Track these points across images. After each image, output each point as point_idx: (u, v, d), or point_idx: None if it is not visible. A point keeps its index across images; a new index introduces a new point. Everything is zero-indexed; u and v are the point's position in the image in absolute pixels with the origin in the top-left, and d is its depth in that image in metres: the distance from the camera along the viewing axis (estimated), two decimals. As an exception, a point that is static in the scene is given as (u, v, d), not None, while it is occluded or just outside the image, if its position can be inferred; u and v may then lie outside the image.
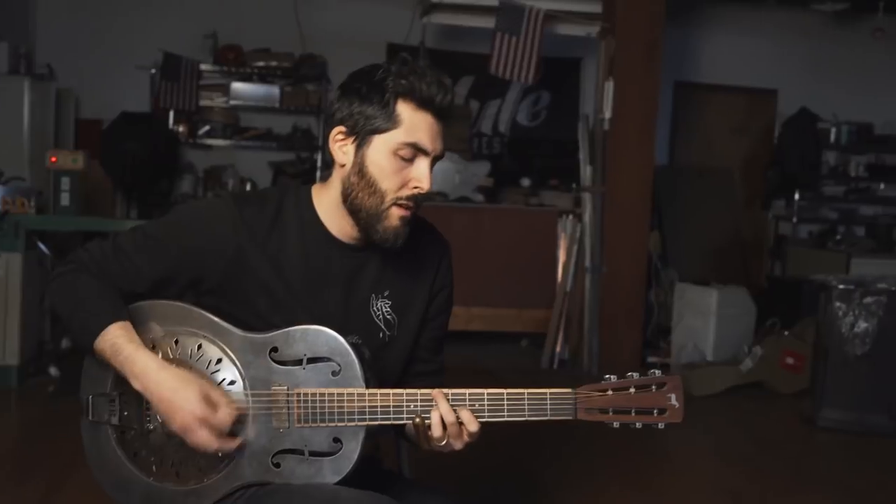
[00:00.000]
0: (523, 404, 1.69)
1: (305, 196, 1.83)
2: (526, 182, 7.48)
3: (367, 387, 1.68)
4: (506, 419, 1.70)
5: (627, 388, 1.71)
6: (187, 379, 1.67)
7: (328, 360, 1.69)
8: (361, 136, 1.73)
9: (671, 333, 6.41)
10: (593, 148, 6.32)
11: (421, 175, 1.73)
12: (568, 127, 7.61)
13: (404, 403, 1.69)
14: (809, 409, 5.06)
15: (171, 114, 7.63)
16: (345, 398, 1.67)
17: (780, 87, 8.84)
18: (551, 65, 7.19)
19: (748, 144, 8.98)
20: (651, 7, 6.11)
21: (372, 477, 1.85)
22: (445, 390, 1.70)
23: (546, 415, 1.70)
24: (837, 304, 4.93)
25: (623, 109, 6.12)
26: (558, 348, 6.34)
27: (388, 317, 1.87)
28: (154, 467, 1.75)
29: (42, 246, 5.24)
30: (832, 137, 8.78)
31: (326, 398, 1.68)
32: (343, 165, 1.76)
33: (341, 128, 1.75)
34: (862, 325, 4.88)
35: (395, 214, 1.74)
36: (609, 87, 6.13)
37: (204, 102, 7.76)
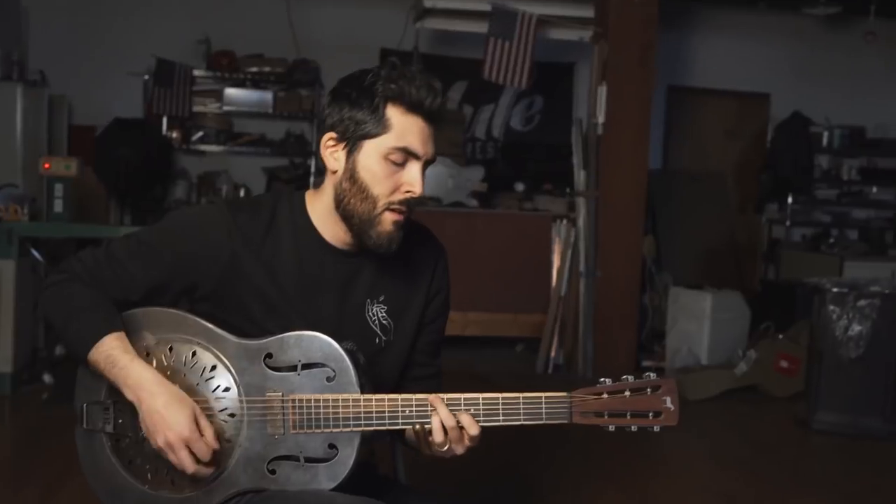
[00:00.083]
0: (518, 409, 1.68)
1: (299, 202, 1.83)
2: (520, 187, 7.48)
3: (362, 392, 1.68)
4: (501, 424, 1.70)
5: (622, 392, 1.70)
6: (181, 398, 1.67)
7: (323, 365, 1.68)
8: (352, 141, 1.73)
9: (665, 337, 6.41)
10: (587, 152, 6.32)
11: (413, 179, 1.73)
12: (561, 131, 7.61)
13: (399, 409, 1.68)
14: (804, 412, 5.07)
15: (165, 120, 7.63)
16: (340, 404, 1.67)
17: (772, 90, 8.87)
18: (544, 69, 7.22)
19: (741, 148, 9.00)
20: (644, 11, 6.12)
21: (367, 483, 1.85)
22: (441, 395, 1.70)
23: (541, 419, 1.69)
24: (831, 307, 4.94)
25: (616, 114, 6.13)
26: (553, 353, 6.34)
27: (384, 322, 1.86)
28: (149, 475, 1.74)
29: (35, 253, 5.22)
30: (825, 141, 8.81)
31: (321, 404, 1.67)
32: (335, 171, 1.76)
33: (332, 134, 1.75)
34: (856, 328, 4.88)
35: (389, 219, 1.74)
36: (602, 91, 6.14)
37: (197, 108, 7.75)
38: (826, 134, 8.80)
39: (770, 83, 8.82)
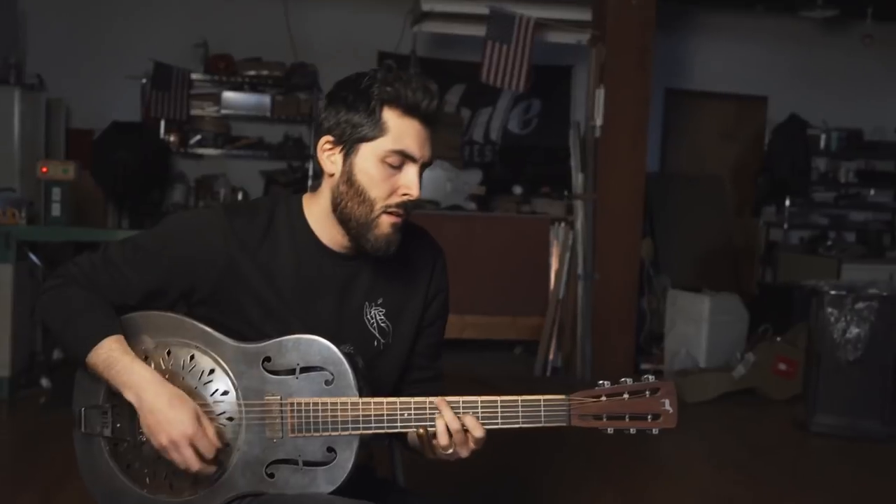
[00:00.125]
0: (517, 411, 1.69)
1: (296, 205, 1.83)
2: (518, 190, 7.48)
3: (361, 395, 1.68)
4: (500, 426, 1.70)
5: (621, 394, 1.71)
6: (182, 397, 1.67)
7: (321, 369, 1.68)
8: (349, 144, 1.73)
9: (664, 340, 6.42)
10: (585, 155, 6.33)
11: (410, 182, 1.73)
12: (559, 134, 7.61)
13: (398, 412, 1.68)
14: (802, 414, 5.07)
15: (162, 123, 7.61)
16: (338, 407, 1.67)
17: (769, 93, 8.88)
18: (542, 72, 7.22)
19: (738, 151, 9.01)
20: (641, 15, 6.13)
21: (366, 486, 1.85)
22: (437, 398, 1.69)
23: (540, 422, 1.70)
24: (829, 309, 4.95)
25: (614, 117, 6.14)
26: (551, 355, 6.34)
27: (383, 324, 1.86)
28: (147, 479, 1.74)
29: (33, 257, 5.22)
30: (822, 144, 8.82)
31: (320, 407, 1.67)
32: (332, 175, 1.76)
33: (329, 137, 1.75)
34: (854, 330, 4.89)
35: (386, 222, 1.74)
36: (600, 94, 6.14)
37: (195, 112, 7.74)
38: (823, 136, 8.81)
39: (767, 86, 8.82)
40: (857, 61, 8.75)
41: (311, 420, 1.68)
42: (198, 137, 7.78)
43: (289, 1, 7.69)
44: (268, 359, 1.71)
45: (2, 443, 4.38)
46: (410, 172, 1.73)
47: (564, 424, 1.70)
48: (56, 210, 5.17)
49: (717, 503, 3.89)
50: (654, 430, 1.71)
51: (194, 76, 7.60)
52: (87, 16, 7.62)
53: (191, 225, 1.79)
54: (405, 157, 1.72)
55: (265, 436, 1.70)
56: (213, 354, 1.73)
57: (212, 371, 1.72)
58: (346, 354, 1.69)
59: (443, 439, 1.68)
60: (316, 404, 1.67)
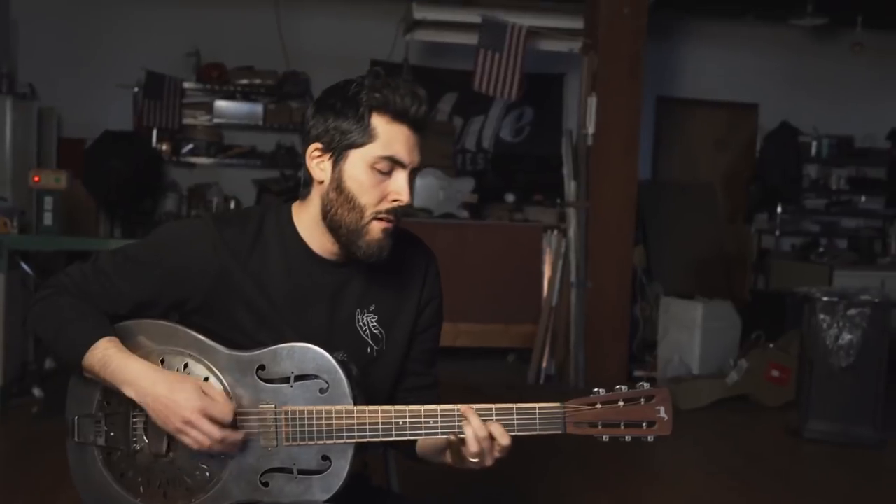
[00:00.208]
0: (512, 419, 1.68)
1: (286, 214, 1.83)
2: (510, 198, 7.49)
3: (355, 404, 1.68)
4: (495, 434, 1.70)
5: (616, 402, 1.70)
6: (181, 378, 1.68)
7: (316, 377, 1.68)
8: (338, 151, 1.73)
9: (657, 347, 6.42)
10: (577, 163, 6.34)
11: (399, 188, 1.73)
12: (551, 142, 7.63)
13: (392, 420, 1.68)
14: (795, 420, 5.08)
15: (155, 132, 7.61)
16: (333, 416, 1.67)
17: (760, 101, 8.91)
18: (534, 81, 7.23)
19: (730, 159, 9.03)
20: (633, 23, 6.15)
21: (361, 493, 1.85)
22: (435, 406, 1.69)
23: (535, 429, 1.69)
24: (821, 316, 4.95)
25: (606, 124, 6.15)
26: (545, 363, 6.33)
27: (375, 331, 1.86)
28: (141, 488, 1.74)
29: (25, 266, 5.20)
30: (813, 151, 8.86)
31: (315, 416, 1.67)
32: (321, 182, 1.76)
33: (318, 144, 1.75)
34: (846, 336, 4.90)
35: (377, 228, 1.74)
36: (592, 102, 6.16)
37: (187, 120, 7.74)
38: (814, 144, 8.84)
39: (758, 93, 8.86)
40: (847, 69, 8.80)
41: (306, 428, 1.67)
42: (190, 146, 7.78)
43: (281, 10, 7.70)
44: (262, 367, 1.70)
45: (-6, 453, 4.37)
46: (400, 178, 1.73)
47: (560, 432, 1.69)
48: (48, 219, 5.16)
49: (710, 510, 3.89)
50: (649, 437, 1.71)
51: (186, 85, 7.60)
52: (79, 25, 7.62)
53: (182, 235, 1.79)
54: (395, 162, 1.72)
55: (260, 444, 1.69)
56: (206, 363, 1.72)
57: (206, 379, 1.72)
58: (340, 362, 1.68)
59: (474, 446, 1.66)
60: (311, 412, 1.67)
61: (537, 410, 1.69)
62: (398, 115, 1.71)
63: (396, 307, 1.89)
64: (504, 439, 1.67)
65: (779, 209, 8.62)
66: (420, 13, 6.86)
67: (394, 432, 1.68)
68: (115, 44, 7.62)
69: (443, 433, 1.68)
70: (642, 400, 1.71)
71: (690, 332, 6.08)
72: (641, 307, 6.91)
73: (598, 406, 1.70)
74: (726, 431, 5.25)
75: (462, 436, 1.67)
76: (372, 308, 1.86)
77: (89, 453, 1.77)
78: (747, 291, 8.31)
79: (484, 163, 8.43)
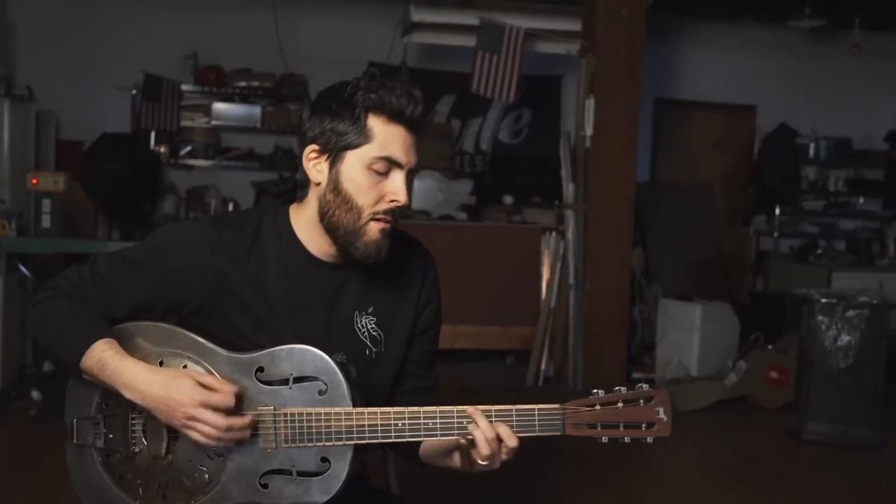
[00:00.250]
0: (511, 420, 1.68)
1: (283, 216, 1.83)
2: (508, 200, 7.49)
3: (354, 405, 1.68)
4: (494, 436, 1.69)
5: (615, 403, 1.70)
6: (177, 373, 1.67)
7: (314, 379, 1.68)
8: (334, 152, 1.73)
9: (655, 349, 6.42)
10: (575, 165, 6.34)
11: (397, 188, 1.73)
12: (549, 144, 7.63)
13: (392, 422, 1.68)
14: (794, 422, 5.08)
15: (153, 134, 7.61)
16: (332, 417, 1.67)
17: (759, 103, 8.92)
18: (532, 83, 7.24)
19: (728, 160, 9.04)
20: (631, 25, 6.15)
21: (360, 495, 1.85)
22: (434, 408, 1.69)
23: (534, 431, 1.69)
24: (820, 317, 4.96)
25: (604, 126, 6.15)
26: (543, 365, 6.33)
27: (374, 333, 1.86)
28: (141, 490, 1.73)
29: (23, 268, 5.20)
30: (811, 152, 8.87)
31: (314, 418, 1.67)
32: (318, 184, 1.76)
33: (314, 146, 1.75)
34: (844, 338, 4.90)
35: (375, 228, 1.73)
36: (590, 104, 6.16)
37: (185, 123, 7.74)
38: (812, 145, 8.86)
39: (757, 95, 8.87)
40: (845, 70, 8.80)
41: (305, 430, 1.67)
42: (188, 148, 7.77)
43: (279, 12, 7.69)
44: (261, 369, 1.70)
45: (-8, 456, 4.36)
46: (397, 179, 1.73)
47: (559, 433, 1.69)
48: (46, 221, 5.16)
49: (710, 511, 3.89)
50: (648, 438, 1.70)
51: (184, 87, 7.60)
52: (77, 27, 7.62)
53: (180, 238, 1.79)
54: (391, 163, 1.72)
55: (259, 446, 1.69)
56: (205, 364, 1.72)
57: (204, 380, 1.72)
58: (339, 364, 1.68)
59: (485, 448, 1.65)
60: (310, 414, 1.67)
61: (536, 412, 1.69)
62: (394, 116, 1.71)
63: (395, 309, 1.89)
64: (511, 441, 1.67)
65: (777, 211, 8.64)
66: (418, 15, 6.86)
67: (393, 434, 1.68)
68: (114, 46, 7.61)
69: (442, 435, 1.68)
70: (641, 401, 1.71)
71: (689, 333, 6.08)
72: (640, 309, 6.90)
73: (597, 407, 1.70)
74: (725, 433, 5.25)
75: (470, 437, 1.67)
76: (370, 310, 1.86)
77: (88, 455, 1.77)
78: (746, 293, 8.32)
79: (482, 165, 8.43)
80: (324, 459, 1.68)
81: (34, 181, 5.19)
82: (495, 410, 1.68)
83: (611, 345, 6.19)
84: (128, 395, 1.67)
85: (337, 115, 1.72)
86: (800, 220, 8.92)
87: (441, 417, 1.68)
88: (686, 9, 8.27)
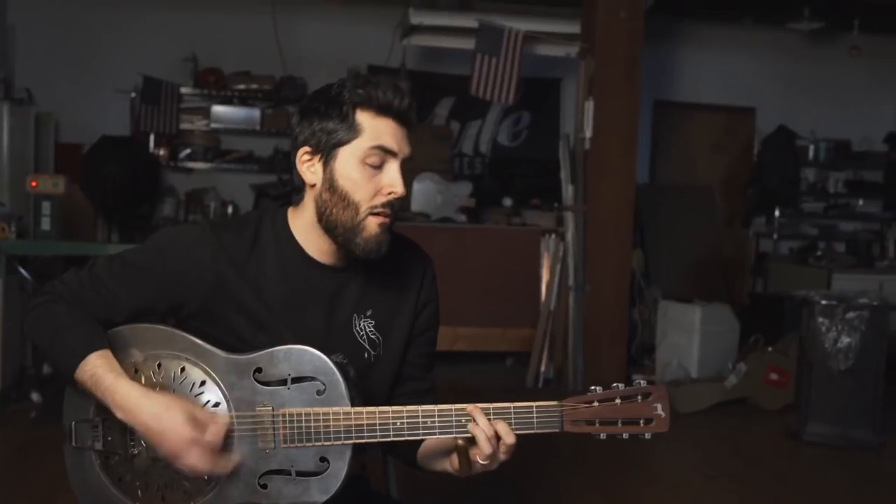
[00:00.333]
0: (510, 418, 1.68)
1: (282, 219, 1.83)
2: (508, 202, 7.49)
3: (353, 405, 1.68)
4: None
5: (613, 399, 1.71)
6: (171, 403, 1.65)
7: (313, 379, 1.68)
8: (327, 151, 1.73)
9: (655, 351, 6.42)
10: (574, 167, 6.34)
11: (393, 179, 1.73)
12: (549, 146, 7.63)
13: (390, 421, 1.68)
14: (795, 423, 5.07)
15: (152, 137, 7.60)
16: (330, 417, 1.67)
17: (758, 104, 8.92)
18: (531, 85, 7.23)
19: (727, 162, 9.04)
20: (630, 27, 6.15)
21: (359, 497, 1.84)
22: (432, 406, 1.69)
23: (533, 428, 1.69)
24: (820, 319, 4.95)
25: (603, 128, 6.16)
26: (543, 367, 6.33)
27: (373, 336, 1.86)
28: (140, 492, 1.73)
29: (23, 271, 5.20)
30: (811, 154, 8.87)
31: (312, 418, 1.67)
32: (313, 185, 1.76)
33: (306, 148, 1.76)
34: (845, 340, 4.90)
35: (373, 223, 1.73)
36: (589, 106, 6.16)
37: (184, 125, 7.74)
38: (812, 147, 8.86)
39: (756, 97, 8.87)
40: (844, 72, 8.81)
41: (304, 430, 1.67)
42: (187, 151, 7.77)
43: (278, 15, 7.70)
44: (259, 369, 1.70)
45: (-9, 458, 4.36)
46: (392, 169, 1.74)
47: (557, 430, 1.69)
48: (46, 224, 5.16)
49: (709, 513, 3.89)
50: (646, 434, 1.71)
51: (184, 90, 7.60)
52: (77, 30, 7.62)
53: (179, 241, 1.79)
54: (385, 152, 1.72)
55: (257, 447, 1.69)
56: (203, 366, 1.72)
57: (203, 383, 1.71)
58: (337, 364, 1.68)
59: (486, 447, 1.65)
60: (308, 414, 1.67)
61: (534, 409, 1.69)
62: (382, 109, 1.72)
63: (393, 311, 1.89)
64: (509, 438, 1.66)
65: (776, 213, 8.63)
66: (417, 18, 6.87)
67: (391, 433, 1.67)
68: (113, 49, 7.61)
69: (440, 433, 1.68)
70: (639, 397, 1.71)
71: (689, 335, 6.08)
72: (640, 311, 6.91)
73: (596, 404, 1.70)
74: (725, 434, 5.25)
75: (470, 437, 1.66)
76: (369, 313, 1.86)
77: (87, 458, 1.76)
78: (746, 295, 8.32)
79: (481, 167, 8.43)
80: (322, 459, 1.68)
81: (34, 184, 5.19)
82: (493, 408, 1.68)
83: (610, 346, 6.19)
84: (119, 415, 1.65)
85: (325, 114, 1.73)
86: (799, 222, 8.92)
87: (440, 416, 1.68)
88: (685, 11, 8.28)
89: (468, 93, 6.29)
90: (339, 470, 1.68)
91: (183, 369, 1.72)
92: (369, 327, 1.85)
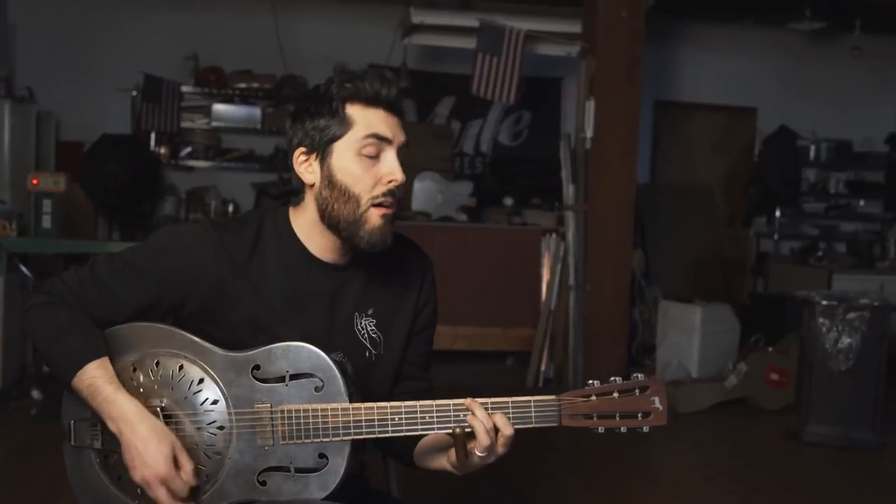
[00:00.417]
0: (508, 412, 1.68)
1: (283, 217, 1.83)
2: (508, 201, 7.49)
3: (351, 401, 1.67)
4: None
5: (611, 393, 1.71)
6: (161, 434, 1.66)
7: (311, 375, 1.68)
8: (322, 149, 1.74)
9: (656, 351, 6.42)
10: (575, 167, 6.34)
11: (391, 167, 1.74)
12: (549, 146, 7.63)
13: (388, 416, 1.67)
14: (795, 423, 5.07)
15: (153, 135, 7.60)
16: (329, 413, 1.67)
17: (759, 105, 8.91)
18: (532, 84, 7.23)
19: (728, 162, 9.04)
20: (631, 26, 6.15)
21: (360, 496, 1.84)
22: (430, 402, 1.69)
23: (531, 422, 1.69)
24: (821, 319, 4.95)
25: (604, 128, 6.15)
26: (543, 366, 6.33)
27: (374, 335, 1.86)
28: (139, 490, 1.72)
29: (24, 268, 5.20)
30: (811, 155, 8.87)
31: (310, 414, 1.67)
32: (312, 185, 1.77)
33: (301, 148, 1.77)
34: (845, 340, 4.89)
35: (376, 214, 1.73)
36: (590, 106, 6.16)
37: (185, 124, 7.73)
38: (813, 147, 8.85)
39: (757, 97, 8.86)
40: (845, 73, 8.80)
41: (302, 427, 1.67)
42: (188, 150, 7.77)
43: (279, 14, 7.70)
44: (257, 367, 1.70)
45: (-9, 456, 4.36)
46: (389, 157, 1.74)
47: (555, 425, 1.69)
48: (47, 222, 5.17)
49: (709, 513, 3.88)
50: (644, 428, 1.71)
51: (185, 88, 7.59)
52: (78, 28, 7.62)
53: (182, 241, 1.78)
54: (380, 140, 1.73)
55: (256, 444, 1.69)
56: (202, 364, 1.72)
57: (201, 381, 1.71)
58: (335, 361, 1.68)
59: (485, 439, 1.65)
60: (306, 411, 1.67)
61: (532, 403, 1.70)
62: (371, 101, 1.73)
63: (394, 311, 1.89)
64: (507, 429, 1.66)
65: (777, 213, 8.63)
66: (418, 17, 6.87)
67: (390, 428, 1.67)
68: (114, 47, 7.62)
69: (439, 428, 1.68)
70: (637, 391, 1.71)
71: (689, 335, 6.08)
72: (640, 310, 6.90)
73: (593, 398, 1.71)
74: (725, 434, 5.24)
75: (469, 430, 1.66)
76: (370, 312, 1.86)
77: (86, 457, 1.76)
78: (746, 295, 8.32)
79: (482, 166, 8.43)
80: (321, 456, 1.68)
81: (35, 182, 5.20)
82: (492, 402, 1.68)
83: (611, 346, 6.19)
84: (112, 427, 1.67)
85: (316, 113, 1.74)
86: (800, 222, 8.92)
87: (438, 410, 1.68)
88: (686, 11, 8.27)
89: (469, 92, 6.28)
90: (338, 466, 1.68)
91: (181, 367, 1.72)
92: (370, 326, 1.86)
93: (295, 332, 1.74)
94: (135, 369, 1.72)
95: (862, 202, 9.09)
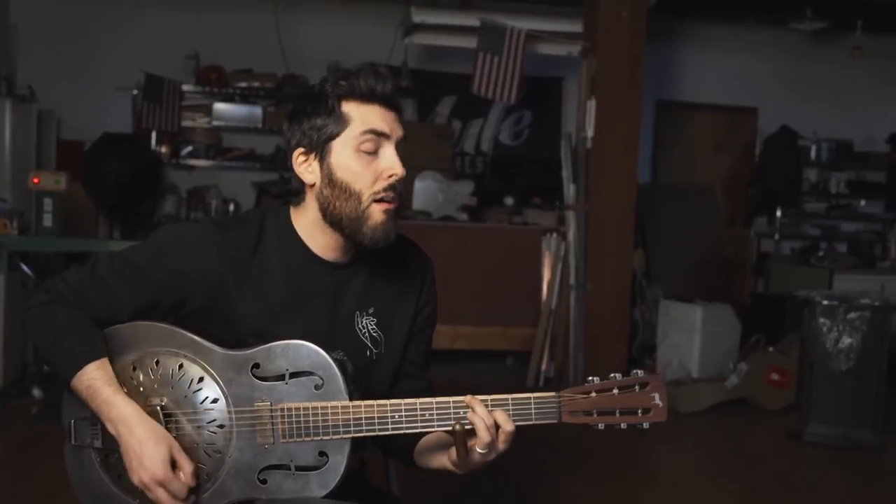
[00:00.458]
0: (508, 409, 1.68)
1: (284, 216, 1.83)
2: (509, 201, 7.49)
3: (351, 399, 1.67)
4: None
5: (611, 390, 1.71)
6: (159, 437, 1.66)
7: (311, 374, 1.68)
8: (320, 147, 1.74)
9: (656, 350, 6.42)
10: (576, 166, 6.34)
11: (391, 162, 1.74)
12: (550, 146, 7.63)
13: (388, 414, 1.67)
14: (796, 423, 5.07)
15: (154, 134, 7.60)
16: (329, 411, 1.66)
17: (760, 105, 8.91)
18: (533, 84, 7.23)
19: (729, 162, 9.03)
20: (632, 26, 6.15)
21: (360, 494, 1.84)
22: (430, 399, 1.69)
23: (531, 419, 1.69)
24: (821, 319, 4.95)
25: (605, 128, 6.15)
26: (543, 366, 6.33)
27: (374, 334, 1.86)
28: (139, 489, 1.73)
29: (25, 267, 5.20)
30: (813, 155, 8.87)
31: (310, 412, 1.67)
32: (313, 185, 1.77)
33: (300, 149, 1.77)
34: (846, 340, 4.89)
35: (378, 210, 1.74)
36: (591, 105, 6.16)
37: (186, 123, 7.73)
38: (814, 147, 8.85)
39: (758, 97, 8.86)
40: (847, 73, 8.80)
41: (302, 425, 1.67)
42: (189, 149, 7.77)
43: (280, 13, 7.70)
44: (257, 365, 1.70)
45: (-8, 454, 4.36)
46: (388, 152, 1.74)
47: (555, 421, 1.69)
48: (48, 220, 5.17)
49: (710, 512, 3.88)
50: (644, 424, 1.71)
51: (186, 88, 7.59)
52: (79, 27, 7.62)
53: (183, 240, 1.78)
54: (377, 135, 1.73)
55: (256, 442, 1.69)
56: (201, 363, 1.72)
57: (201, 379, 1.71)
58: (335, 359, 1.68)
59: (485, 436, 1.65)
60: (306, 409, 1.67)
61: (533, 400, 1.69)
62: (367, 97, 1.73)
63: (395, 310, 1.89)
64: (508, 425, 1.66)
65: (778, 213, 8.62)
66: (419, 17, 6.86)
67: (390, 426, 1.67)
68: (115, 46, 7.62)
69: (439, 426, 1.68)
70: (636, 387, 1.71)
71: (690, 335, 6.08)
72: (641, 310, 6.90)
73: (593, 394, 1.71)
74: (726, 434, 5.24)
75: (469, 426, 1.66)
76: (371, 311, 1.86)
77: (86, 456, 1.76)
78: (747, 295, 8.32)
79: (483, 166, 8.43)
80: (321, 454, 1.68)
81: (36, 180, 5.20)
82: (491, 399, 1.68)
83: (611, 346, 6.18)
84: (110, 429, 1.67)
85: (313, 113, 1.74)
86: (801, 222, 8.91)
87: (438, 408, 1.68)
88: (687, 10, 8.27)
89: (470, 91, 6.27)
90: (338, 464, 1.67)
91: (181, 366, 1.72)
92: (371, 325, 1.86)
93: (296, 330, 1.74)
94: (134, 368, 1.72)
95: (863, 202, 9.09)
